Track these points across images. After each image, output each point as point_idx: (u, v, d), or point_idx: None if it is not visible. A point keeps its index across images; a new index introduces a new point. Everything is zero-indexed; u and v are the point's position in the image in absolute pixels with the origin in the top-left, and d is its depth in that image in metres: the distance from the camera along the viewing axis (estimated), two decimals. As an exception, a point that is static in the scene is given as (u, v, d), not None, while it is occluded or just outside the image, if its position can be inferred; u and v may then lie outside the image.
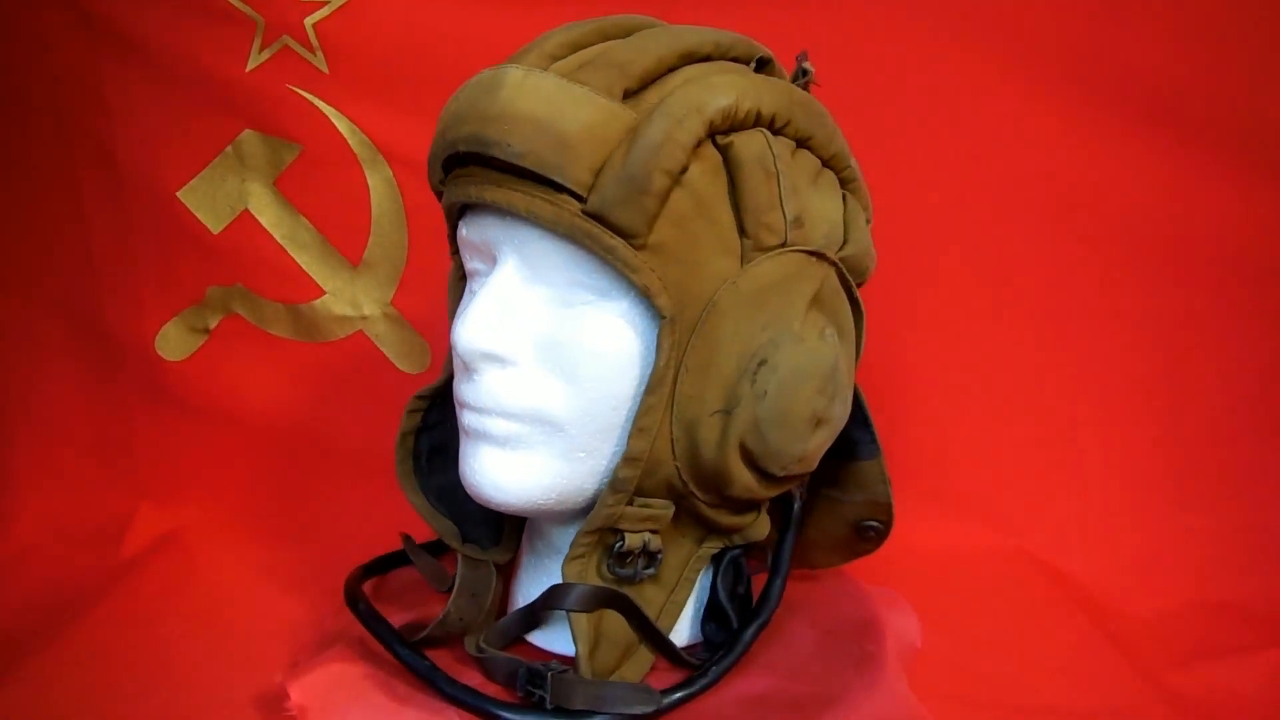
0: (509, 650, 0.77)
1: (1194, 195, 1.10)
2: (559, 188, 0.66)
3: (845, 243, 0.76)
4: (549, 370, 0.70)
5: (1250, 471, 1.11)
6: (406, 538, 0.87)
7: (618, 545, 0.72)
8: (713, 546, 0.78)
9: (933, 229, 1.13)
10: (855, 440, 0.82)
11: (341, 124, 1.13)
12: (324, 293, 1.18)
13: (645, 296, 0.67)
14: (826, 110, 0.75)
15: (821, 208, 0.74)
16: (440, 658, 0.77)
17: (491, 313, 0.70)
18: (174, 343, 1.19)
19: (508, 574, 0.86)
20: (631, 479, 0.69)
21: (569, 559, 0.72)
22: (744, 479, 0.70)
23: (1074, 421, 1.15)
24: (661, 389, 0.68)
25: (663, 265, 0.67)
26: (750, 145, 0.68)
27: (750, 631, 0.77)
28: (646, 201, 0.65)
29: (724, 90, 0.67)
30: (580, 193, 0.65)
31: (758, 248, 0.69)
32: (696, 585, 0.79)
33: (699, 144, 0.66)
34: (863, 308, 0.77)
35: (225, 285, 1.18)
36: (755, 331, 0.68)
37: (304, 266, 1.18)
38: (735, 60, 0.73)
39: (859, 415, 0.81)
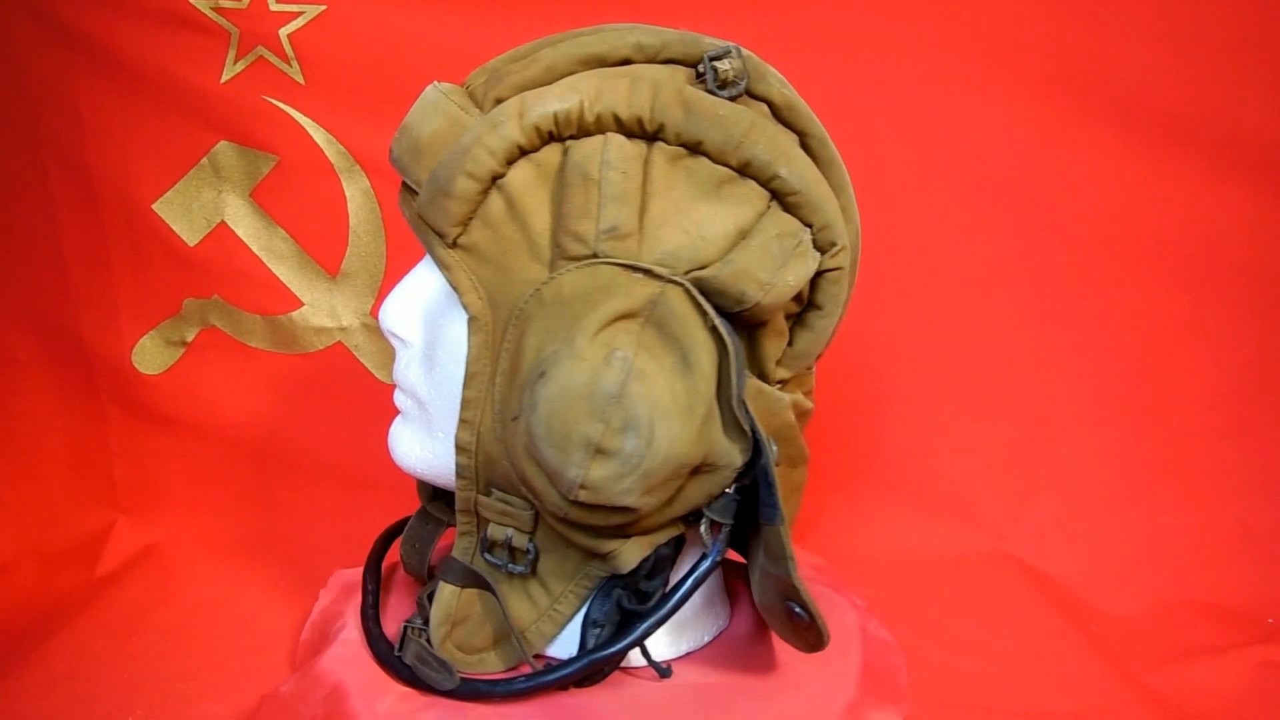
0: None
1: (1171, 197, 1.11)
2: (413, 191, 0.72)
3: (715, 261, 0.67)
4: (424, 354, 0.75)
5: (1228, 471, 1.12)
6: None
7: (484, 533, 0.75)
8: (600, 569, 0.74)
9: (913, 232, 1.13)
10: (761, 501, 0.71)
11: (318, 134, 1.13)
12: (302, 304, 1.18)
13: (457, 293, 0.71)
14: (745, 112, 0.68)
15: (694, 220, 0.67)
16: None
17: (399, 296, 0.77)
18: (151, 356, 1.18)
19: None
20: (467, 467, 0.73)
21: (457, 534, 0.77)
22: (549, 495, 0.67)
23: (1053, 424, 1.16)
24: (476, 385, 0.71)
25: (476, 266, 0.70)
26: (580, 150, 0.67)
27: (577, 664, 0.73)
28: (449, 203, 0.68)
29: (561, 94, 0.67)
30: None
31: (563, 256, 0.67)
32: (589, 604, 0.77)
33: (523, 149, 0.68)
34: (727, 338, 0.66)
35: (202, 298, 1.17)
36: (548, 342, 0.67)
37: (281, 278, 1.17)
38: (672, 62, 0.71)
39: (763, 473, 0.70)
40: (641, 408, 0.63)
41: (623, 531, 0.71)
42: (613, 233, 0.66)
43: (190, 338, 1.18)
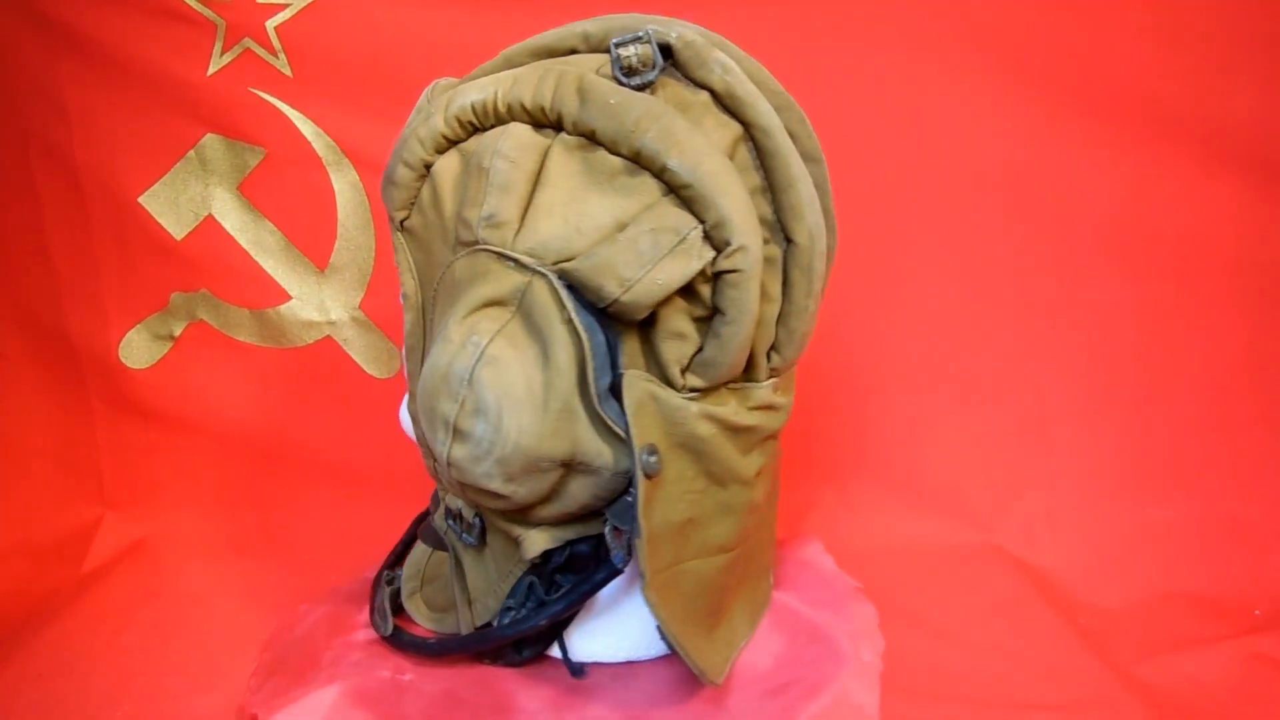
0: None
1: (1159, 190, 1.11)
2: None
3: (582, 254, 0.65)
4: None
5: (1217, 464, 1.12)
6: None
7: (445, 501, 0.78)
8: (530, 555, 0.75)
9: (904, 223, 1.13)
10: None
11: (306, 127, 1.12)
12: (290, 297, 1.17)
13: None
14: (639, 101, 0.65)
15: (579, 211, 0.66)
16: None
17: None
18: (138, 350, 1.18)
19: None
20: (420, 437, 0.76)
21: (439, 502, 0.80)
22: (443, 471, 0.70)
23: (1042, 416, 1.16)
24: (413, 359, 0.75)
25: (414, 249, 0.75)
26: (481, 140, 0.69)
27: (469, 641, 0.77)
28: (392, 189, 0.73)
29: (481, 86, 0.69)
30: None
31: (458, 242, 0.69)
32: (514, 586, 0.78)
33: (448, 139, 0.71)
34: (583, 334, 0.64)
35: (189, 291, 1.17)
36: (440, 323, 0.71)
37: (269, 271, 1.17)
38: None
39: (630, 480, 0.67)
40: (490, 394, 0.64)
41: (524, 519, 0.72)
42: (489, 221, 0.67)
43: (178, 332, 1.18)
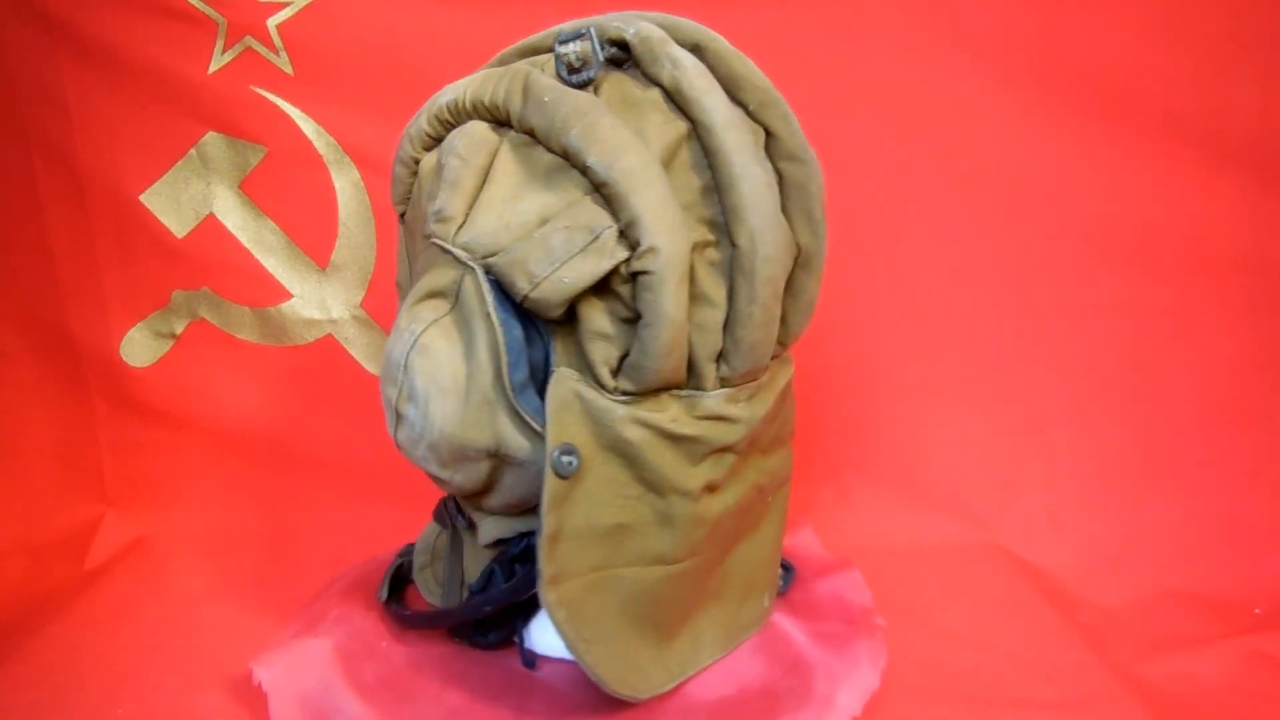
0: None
1: (1160, 190, 1.11)
2: None
3: (503, 249, 0.66)
4: None
5: (1217, 463, 1.12)
6: None
7: None
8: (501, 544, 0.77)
9: (904, 223, 1.13)
10: None
11: (307, 126, 1.12)
12: (292, 296, 1.17)
13: None
14: (571, 98, 0.65)
15: (515, 207, 0.66)
16: None
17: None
18: (139, 348, 1.18)
19: None
20: None
21: None
22: (401, 452, 0.74)
23: (1043, 415, 1.16)
24: None
25: (408, 240, 0.78)
26: (446, 139, 0.73)
27: (429, 616, 0.82)
28: (393, 185, 0.77)
29: (456, 86, 0.72)
30: None
31: (423, 235, 0.72)
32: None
33: (432, 136, 0.74)
34: (499, 328, 0.66)
35: (191, 290, 1.17)
36: None
37: (271, 270, 1.17)
38: None
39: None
40: (419, 381, 0.67)
41: (478, 506, 0.75)
42: (437, 215, 0.69)
43: (179, 330, 1.18)
